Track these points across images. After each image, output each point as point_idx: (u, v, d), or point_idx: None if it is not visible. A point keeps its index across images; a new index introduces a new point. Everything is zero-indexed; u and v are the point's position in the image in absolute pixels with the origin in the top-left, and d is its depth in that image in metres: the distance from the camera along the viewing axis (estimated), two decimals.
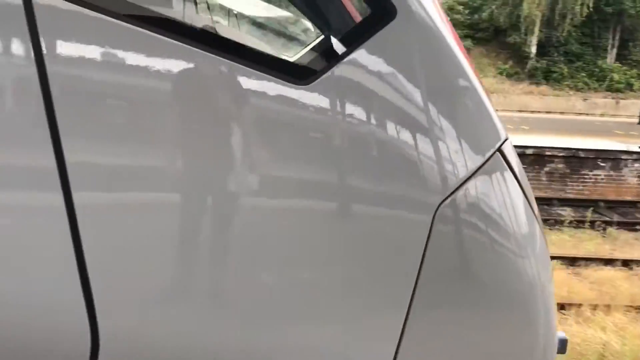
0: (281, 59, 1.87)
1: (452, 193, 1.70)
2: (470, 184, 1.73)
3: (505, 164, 1.81)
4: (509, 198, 1.84)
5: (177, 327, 1.63)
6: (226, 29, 2.46)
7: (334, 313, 1.74)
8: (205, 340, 1.65)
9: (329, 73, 1.63)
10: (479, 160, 1.74)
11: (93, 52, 1.49)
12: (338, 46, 1.71)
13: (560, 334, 2.36)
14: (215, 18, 2.39)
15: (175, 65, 1.59)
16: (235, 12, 2.65)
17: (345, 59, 1.62)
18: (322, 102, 1.65)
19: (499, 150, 1.77)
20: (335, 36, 1.83)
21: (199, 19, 2.29)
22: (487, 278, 1.83)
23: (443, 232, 1.72)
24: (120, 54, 1.51)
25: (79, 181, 1.50)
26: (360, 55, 1.63)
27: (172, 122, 1.62)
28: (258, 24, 2.82)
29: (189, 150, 1.62)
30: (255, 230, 1.65)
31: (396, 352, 1.72)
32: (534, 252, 1.94)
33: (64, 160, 1.48)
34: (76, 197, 1.50)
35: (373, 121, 1.69)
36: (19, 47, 1.46)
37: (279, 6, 2.78)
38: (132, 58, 1.53)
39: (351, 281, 1.73)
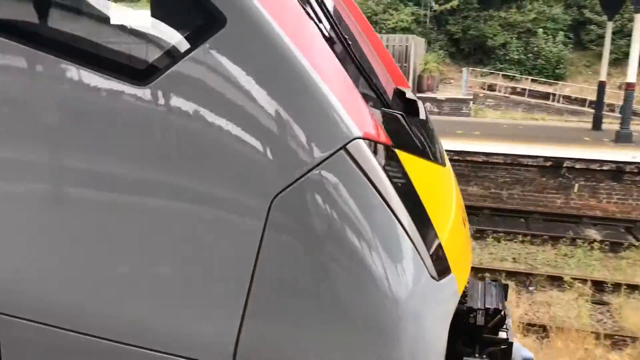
0: (120, 60, 2.07)
1: (286, 188, 1.83)
2: (306, 181, 1.83)
3: (352, 163, 1.83)
4: (355, 199, 1.86)
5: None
6: (62, 28, 2.19)
7: (173, 303, 2.00)
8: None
9: (164, 75, 1.88)
10: (318, 158, 1.83)
11: None
12: (173, 49, 1.94)
13: (526, 352, 2.73)
14: (55, 17, 2.21)
15: (8, 64, 2.03)
16: (76, 12, 2.32)
17: (179, 63, 1.86)
18: (160, 100, 1.90)
19: (345, 148, 1.82)
20: (171, 40, 1.99)
21: (35, 18, 2.16)
22: (319, 283, 1.91)
23: (278, 226, 1.86)
24: None
25: None
26: (195, 58, 1.85)
27: (5, 120, 2.06)
28: (99, 24, 2.33)
29: (23, 146, 2.04)
30: (96, 224, 2.02)
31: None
32: (387, 260, 1.89)
33: None
34: None
35: (210, 120, 1.88)
36: None
37: (122, 6, 2.56)
38: None
39: (190, 275, 1.99)
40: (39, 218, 2.10)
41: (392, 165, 1.98)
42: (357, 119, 1.89)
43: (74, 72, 1.98)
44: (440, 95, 24.72)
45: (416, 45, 24.77)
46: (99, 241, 2.04)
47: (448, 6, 31.14)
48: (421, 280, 1.98)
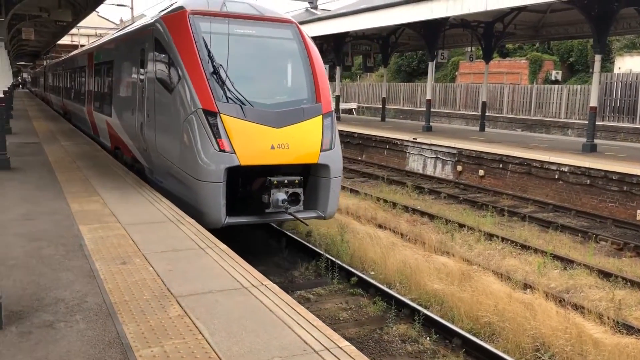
0: (165, 84, 9.24)
1: (184, 120, 8.46)
2: (184, 120, 8.39)
3: (196, 117, 8.19)
4: (196, 128, 8.20)
5: None
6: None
7: None
8: None
9: (174, 89, 9.03)
10: (188, 113, 8.29)
11: None
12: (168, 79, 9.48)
13: (282, 195, 8.38)
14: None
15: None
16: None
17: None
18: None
19: (195, 111, 8.23)
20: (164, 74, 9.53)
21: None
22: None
23: (184, 128, 8.49)
24: None
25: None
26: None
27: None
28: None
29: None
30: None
31: None
32: (201, 142, 8.12)
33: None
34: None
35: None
36: None
37: None
38: None
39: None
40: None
41: (214, 117, 7.99)
42: (203, 102, 8.04)
43: (155, 82, 9.48)
44: None
45: None
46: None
47: None
48: (210, 150, 7.90)
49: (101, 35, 36.60)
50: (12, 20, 16.64)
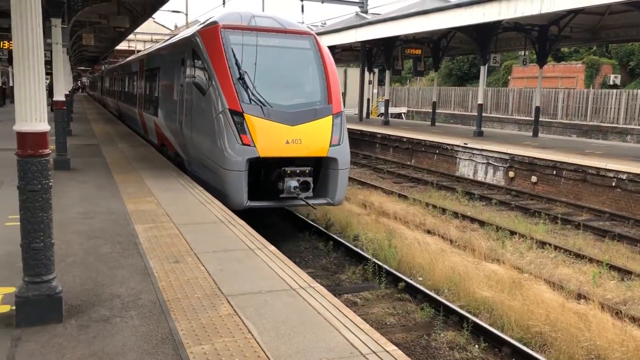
0: (199, 89, 10.73)
1: (216, 116, 9.88)
2: (215, 116, 9.85)
3: (224, 115, 9.64)
4: (224, 124, 9.62)
5: None
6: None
7: None
8: None
9: (207, 91, 10.66)
10: (219, 112, 9.74)
11: None
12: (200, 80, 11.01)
13: (294, 182, 9.70)
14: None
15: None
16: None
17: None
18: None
19: (223, 111, 9.72)
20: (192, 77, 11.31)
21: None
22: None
23: (218, 123, 9.85)
24: None
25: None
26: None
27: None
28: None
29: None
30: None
31: None
32: (227, 137, 9.62)
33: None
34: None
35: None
36: None
37: None
38: None
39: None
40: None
41: (238, 116, 9.43)
42: (229, 103, 9.49)
43: (192, 87, 10.92)
44: None
45: None
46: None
47: None
48: (235, 144, 9.36)
49: (157, 41, 37.68)
50: (73, 26, 17.35)
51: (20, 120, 3.89)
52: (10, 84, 40.38)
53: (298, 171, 9.63)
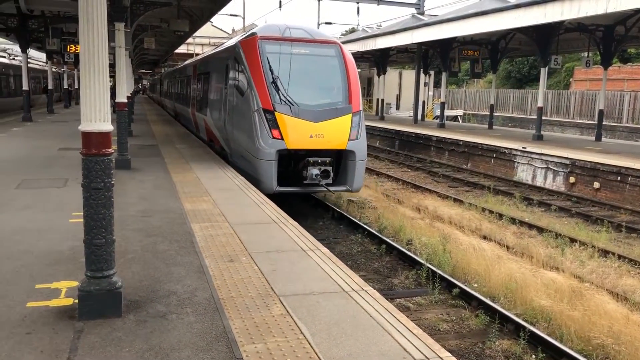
0: (240, 91, 12.46)
1: (253, 112, 11.60)
2: (252, 113, 11.52)
3: (258, 113, 11.31)
4: (258, 120, 11.24)
5: None
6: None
7: None
8: None
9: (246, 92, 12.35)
10: (254, 110, 11.46)
11: None
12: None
13: (316, 170, 11.41)
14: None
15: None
16: None
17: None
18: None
19: (257, 109, 11.37)
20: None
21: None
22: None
23: (254, 118, 11.48)
24: None
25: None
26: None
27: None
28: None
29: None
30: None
31: None
32: (260, 132, 11.18)
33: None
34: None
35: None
36: None
37: None
38: None
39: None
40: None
41: (270, 114, 11.02)
42: (263, 103, 11.12)
43: (233, 89, 12.72)
44: None
45: None
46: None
47: None
48: (267, 138, 10.96)
49: (215, 44, 38.50)
50: (135, 30, 17.93)
51: (85, 120, 4.04)
52: (76, 86, 42.14)
53: (320, 161, 11.25)
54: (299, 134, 11.02)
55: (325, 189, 11.44)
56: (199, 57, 23.57)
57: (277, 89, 11.27)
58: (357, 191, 12.09)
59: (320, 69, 12.12)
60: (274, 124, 10.96)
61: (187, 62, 28.20)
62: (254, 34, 12.31)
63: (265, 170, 10.95)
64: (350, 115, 11.52)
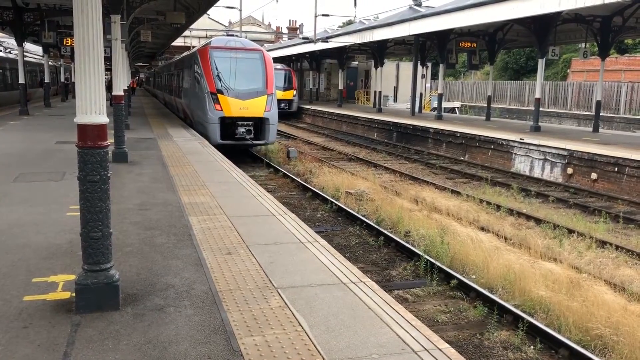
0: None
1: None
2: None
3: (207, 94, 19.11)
4: (202, 97, 19.13)
5: None
6: None
7: None
8: None
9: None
10: (206, 93, 18.91)
11: None
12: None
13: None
14: None
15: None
16: None
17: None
18: None
19: (207, 93, 18.96)
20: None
21: None
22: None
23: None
24: None
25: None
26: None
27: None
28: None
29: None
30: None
31: None
32: (207, 106, 18.54)
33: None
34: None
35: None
36: None
37: None
38: None
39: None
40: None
41: (215, 95, 18.13)
42: (210, 88, 18.19)
43: (194, 79, 20.43)
44: None
45: None
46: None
47: None
48: (213, 109, 18.09)
49: (211, 37, 38.41)
50: (132, 23, 17.81)
51: (80, 112, 4.01)
52: (73, 80, 41.99)
53: (246, 124, 18.27)
54: (233, 107, 17.95)
55: (250, 142, 18.44)
56: (177, 58, 31.67)
57: (220, 79, 18.16)
58: (272, 144, 19.87)
59: (248, 67, 18.72)
60: (217, 101, 17.88)
61: (169, 61, 36.62)
62: (207, 44, 19.32)
63: (213, 130, 17.80)
64: (266, 96, 18.54)
